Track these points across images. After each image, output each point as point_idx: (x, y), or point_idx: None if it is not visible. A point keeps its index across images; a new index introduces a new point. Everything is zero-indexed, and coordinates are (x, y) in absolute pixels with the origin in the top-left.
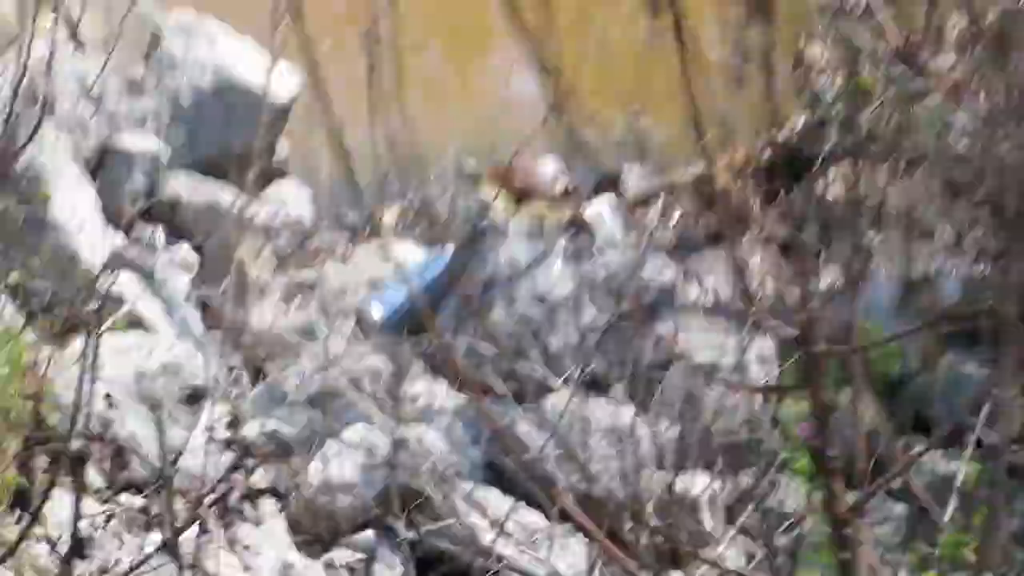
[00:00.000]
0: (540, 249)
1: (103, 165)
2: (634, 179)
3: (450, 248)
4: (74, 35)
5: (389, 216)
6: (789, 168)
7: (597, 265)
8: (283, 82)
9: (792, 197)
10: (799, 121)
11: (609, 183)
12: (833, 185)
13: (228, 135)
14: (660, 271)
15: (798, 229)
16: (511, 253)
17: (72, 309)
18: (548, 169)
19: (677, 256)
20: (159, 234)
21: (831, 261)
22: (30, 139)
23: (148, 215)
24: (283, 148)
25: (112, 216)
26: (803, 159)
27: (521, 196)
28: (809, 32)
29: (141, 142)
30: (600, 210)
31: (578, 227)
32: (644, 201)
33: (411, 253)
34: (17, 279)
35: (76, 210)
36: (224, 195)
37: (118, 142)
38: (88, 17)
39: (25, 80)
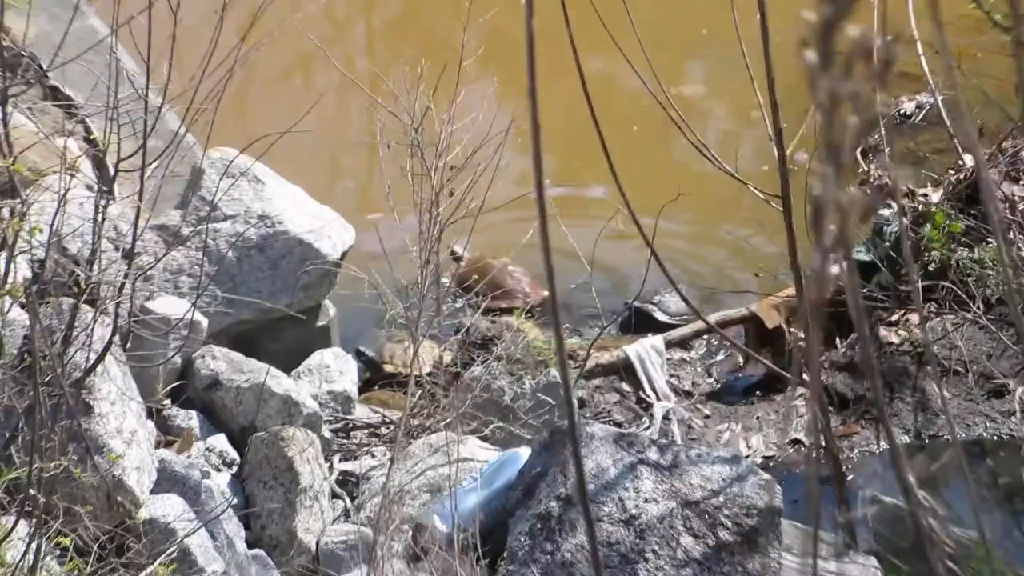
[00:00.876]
0: (627, 456)
1: (132, 333)
2: (670, 314)
3: (525, 451)
4: (101, 168)
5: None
6: (846, 307)
7: (689, 475)
8: (336, 235)
9: (851, 343)
10: (860, 253)
11: (643, 318)
12: (896, 330)
13: (273, 294)
14: (757, 488)
15: (854, 378)
16: (597, 460)
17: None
18: (522, 275)
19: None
20: (194, 423)
21: (893, 418)
22: (98, 360)
23: (181, 396)
24: (330, 309)
25: (144, 394)
26: (863, 298)
27: (492, 299)
28: (871, 146)
29: (176, 306)
30: (640, 353)
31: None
32: (683, 342)
33: (479, 452)
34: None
35: (123, 424)
36: (269, 375)
37: (151, 307)
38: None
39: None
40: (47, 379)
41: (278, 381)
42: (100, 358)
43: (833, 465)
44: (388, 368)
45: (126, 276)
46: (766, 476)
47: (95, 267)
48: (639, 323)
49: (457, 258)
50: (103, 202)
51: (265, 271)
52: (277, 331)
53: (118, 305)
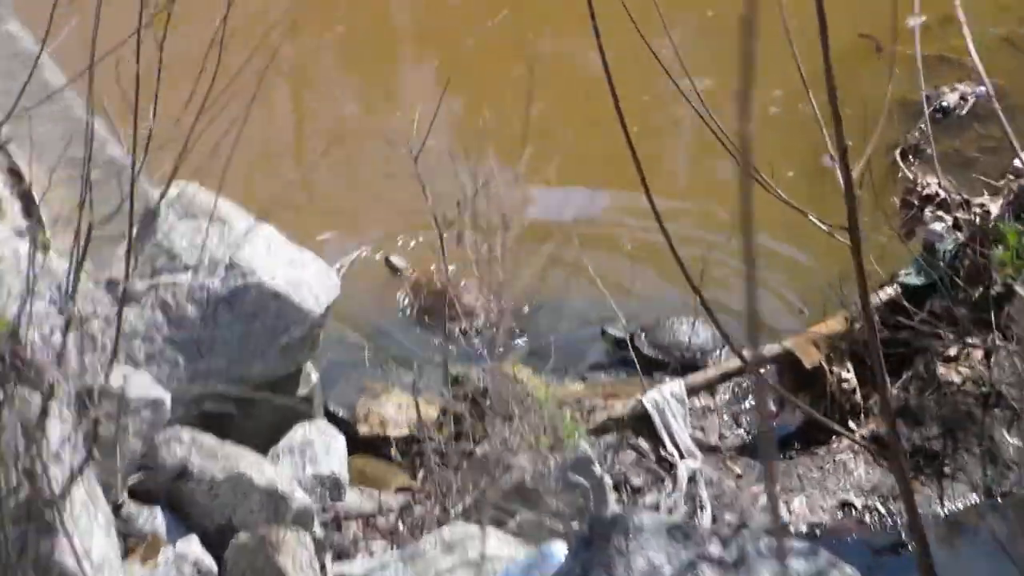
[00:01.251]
0: (683, 551)
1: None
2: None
3: (559, 547)
4: (29, 214)
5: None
6: (897, 343)
7: (760, 573)
8: (318, 286)
9: (904, 382)
10: (909, 275)
11: (659, 350)
12: (956, 367)
13: (245, 360)
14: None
15: (910, 425)
16: (648, 557)
17: None
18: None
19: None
20: (159, 522)
21: (958, 472)
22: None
23: (144, 490)
24: (311, 375)
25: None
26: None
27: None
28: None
29: (134, 381)
30: (658, 402)
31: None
32: (708, 386)
33: (501, 547)
34: None
35: (91, 543)
36: (248, 461)
37: (102, 385)
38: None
39: None
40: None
41: (260, 469)
42: (79, 471)
43: (919, 547)
44: (363, 430)
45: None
46: (849, 570)
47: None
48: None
49: (395, 269)
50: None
51: (235, 332)
52: (251, 404)
53: (89, 396)
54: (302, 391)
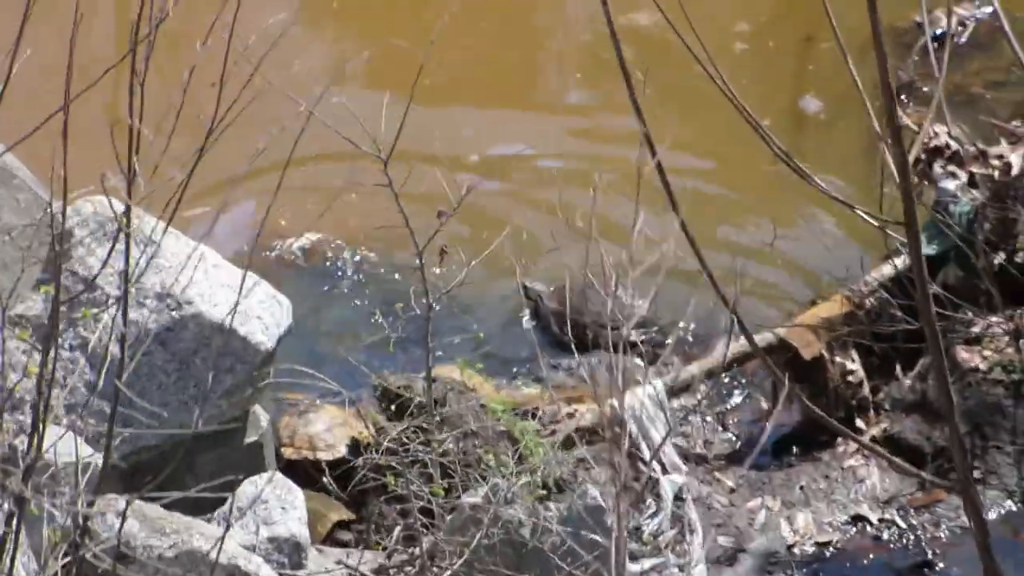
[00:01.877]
0: None
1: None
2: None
3: None
4: None
5: None
6: (909, 324)
7: None
8: (268, 314)
9: (921, 372)
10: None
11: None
12: (980, 350)
13: (183, 405)
14: None
15: (930, 423)
16: None
17: None
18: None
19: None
20: None
21: (988, 475)
22: None
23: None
24: (261, 418)
25: None
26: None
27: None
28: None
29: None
30: (634, 407)
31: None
32: (687, 386)
33: None
34: None
35: None
36: (202, 534)
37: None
38: None
39: None
40: None
41: (216, 543)
42: None
43: None
44: (288, 453)
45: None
46: None
47: None
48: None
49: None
50: None
51: (171, 374)
52: (191, 457)
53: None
54: (250, 438)
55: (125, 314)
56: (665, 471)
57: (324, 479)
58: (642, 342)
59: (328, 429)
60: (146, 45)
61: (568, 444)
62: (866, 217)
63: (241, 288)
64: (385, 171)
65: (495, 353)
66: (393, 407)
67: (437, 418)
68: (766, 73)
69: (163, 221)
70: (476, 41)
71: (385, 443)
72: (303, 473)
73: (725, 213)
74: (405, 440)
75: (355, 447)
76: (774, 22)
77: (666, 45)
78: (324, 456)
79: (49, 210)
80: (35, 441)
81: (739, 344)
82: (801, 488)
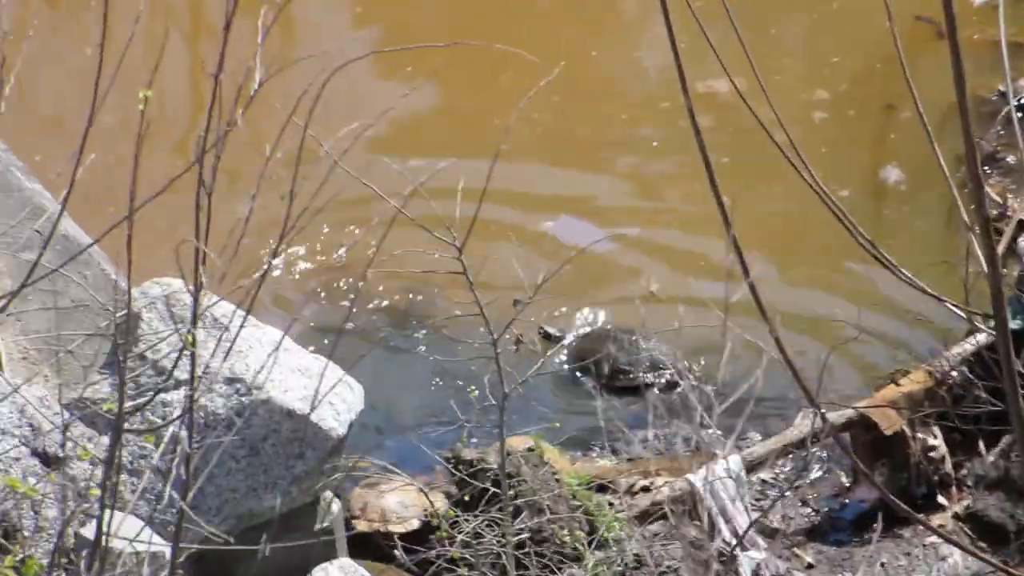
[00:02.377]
0: None
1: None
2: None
3: None
4: None
5: None
6: (992, 400)
7: None
8: (339, 399)
9: (1004, 448)
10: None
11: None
12: None
13: (253, 491)
14: None
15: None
16: None
17: None
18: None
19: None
20: None
21: None
22: None
23: None
24: (332, 504)
25: None
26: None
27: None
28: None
29: (127, 532)
30: (711, 483)
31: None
32: (762, 462)
33: None
34: None
35: None
36: None
37: (86, 534)
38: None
39: None
40: None
41: None
42: None
43: None
44: (360, 526)
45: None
46: None
47: None
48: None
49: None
50: None
51: (240, 459)
52: (260, 544)
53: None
54: (321, 524)
55: (191, 434)
56: (743, 546)
57: (397, 553)
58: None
59: (400, 502)
60: (213, 155)
61: (645, 518)
62: (953, 309)
63: (321, 382)
64: (459, 258)
65: (568, 423)
66: (466, 480)
67: (511, 505)
68: (846, 142)
69: (229, 301)
70: (552, 104)
71: (460, 537)
72: (375, 545)
73: (804, 284)
74: (479, 531)
75: (428, 520)
76: (854, 90)
77: (745, 113)
78: (396, 529)
79: (118, 290)
80: (101, 529)
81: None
82: (882, 565)
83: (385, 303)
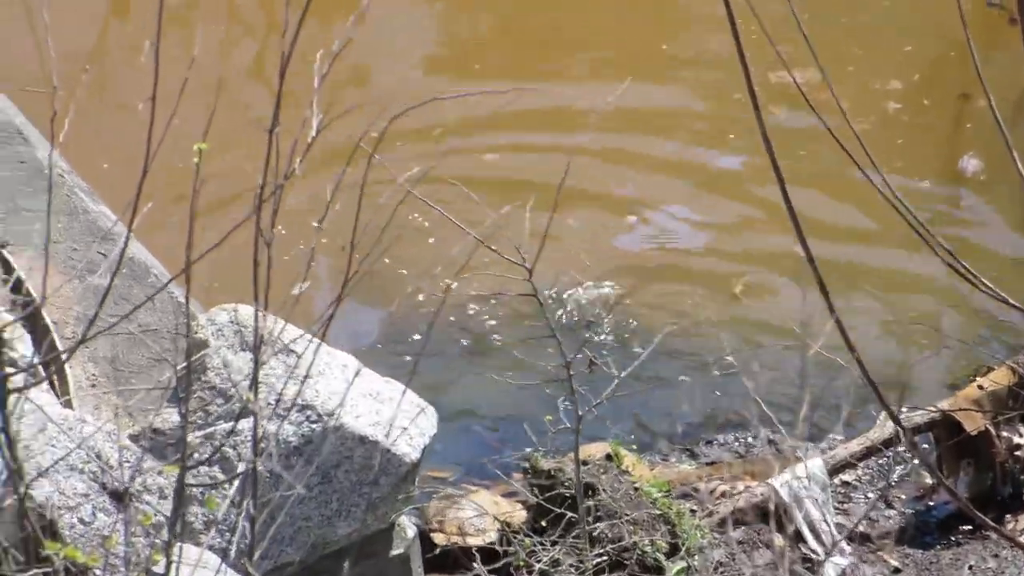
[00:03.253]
0: None
1: None
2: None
3: None
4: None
5: None
6: None
7: None
8: (412, 425)
9: None
10: None
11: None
12: None
13: (327, 519)
14: None
15: None
16: None
17: None
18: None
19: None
20: None
21: None
22: None
23: None
24: (407, 529)
25: None
26: None
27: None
28: None
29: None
30: (794, 488)
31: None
32: (845, 464)
33: None
34: None
35: None
36: None
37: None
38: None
39: None
40: None
41: None
42: None
43: None
44: (439, 539)
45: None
46: None
47: None
48: None
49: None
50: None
51: (313, 488)
52: (335, 572)
53: None
54: (396, 550)
55: (255, 493)
56: (828, 552)
57: (475, 566)
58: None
59: (478, 513)
60: (273, 200)
61: (726, 524)
62: None
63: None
64: (530, 280)
65: (647, 426)
66: (542, 489)
67: (590, 516)
68: (921, 132)
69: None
70: (622, 101)
71: (538, 566)
72: (453, 559)
73: (881, 283)
74: (557, 543)
75: (505, 532)
76: (927, 79)
77: (818, 104)
78: (474, 542)
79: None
80: (171, 561)
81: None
82: (970, 568)
83: (456, 323)
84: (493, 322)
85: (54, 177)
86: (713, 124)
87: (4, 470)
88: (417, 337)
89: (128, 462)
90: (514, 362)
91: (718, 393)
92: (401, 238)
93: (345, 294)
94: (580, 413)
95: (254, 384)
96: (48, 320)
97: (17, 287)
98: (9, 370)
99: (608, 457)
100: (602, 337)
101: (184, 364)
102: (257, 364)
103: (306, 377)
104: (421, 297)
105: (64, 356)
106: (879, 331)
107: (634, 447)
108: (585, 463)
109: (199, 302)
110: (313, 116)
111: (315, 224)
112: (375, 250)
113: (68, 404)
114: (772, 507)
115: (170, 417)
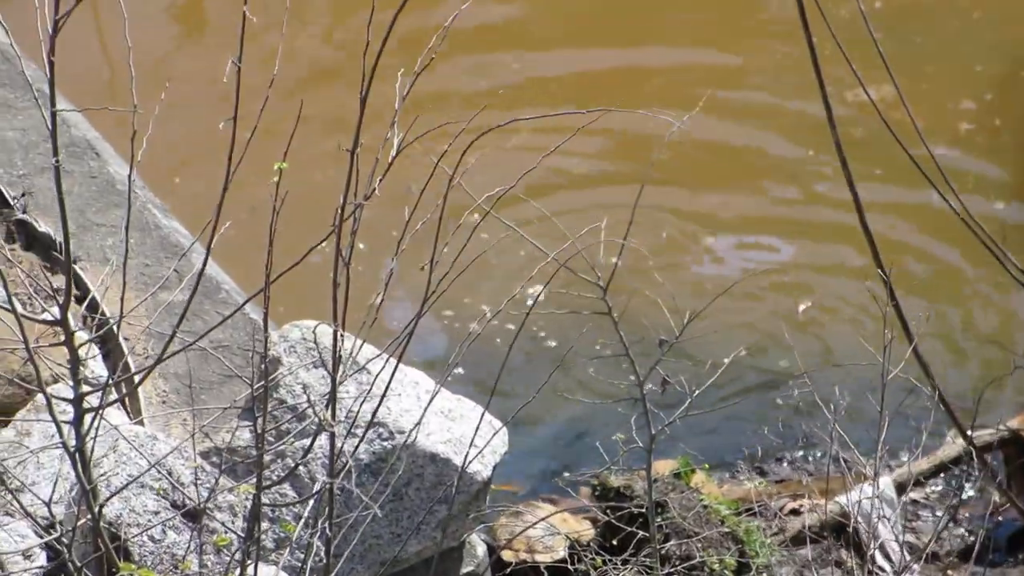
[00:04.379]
0: None
1: None
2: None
3: None
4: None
5: None
6: None
7: None
8: (483, 441)
9: None
10: None
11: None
12: None
13: (397, 537)
14: None
15: None
16: None
17: None
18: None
19: None
20: None
21: None
22: None
23: None
24: (477, 547)
25: None
26: None
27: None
28: None
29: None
30: (864, 507)
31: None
32: (913, 482)
33: None
34: None
35: None
36: None
37: None
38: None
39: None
40: None
41: None
42: None
43: None
44: (507, 556)
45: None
46: None
47: None
48: None
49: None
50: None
51: (384, 506)
52: None
53: None
54: (466, 568)
55: (331, 513)
56: (897, 571)
57: None
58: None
59: (546, 530)
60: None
61: (796, 541)
62: None
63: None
64: (604, 298)
65: (716, 443)
66: (612, 507)
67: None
68: (995, 153)
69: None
70: (697, 120)
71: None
72: None
73: (954, 302)
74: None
75: (575, 550)
76: (999, 99)
77: (894, 123)
78: (543, 559)
79: (258, 331)
80: None
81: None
82: None
83: (527, 340)
84: (564, 337)
85: (127, 195)
86: (790, 139)
87: (76, 488)
88: (486, 351)
89: (201, 480)
90: (585, 378)
91: (787, 410)
92: (482, 258)
93: (424, 311)
94: (653, 432)
95: (332, 404)
96: (121, 339)
97: (92, 304)
98: (85, 389)
99: (677, 475)
100: (674, 356)
101: (261, 384)
102: (335, 385)
103: (384, 397)
104: (487, 311)
105: (139, 377)
106: (951, 349)
107: (706, 465)
108: (654, 480)
109: (272, 319)
110: (394, 136)
111: (398, 244)
112: (453, 267)
113: (139, 420)
114: (841, 525)
115: (242, 434)
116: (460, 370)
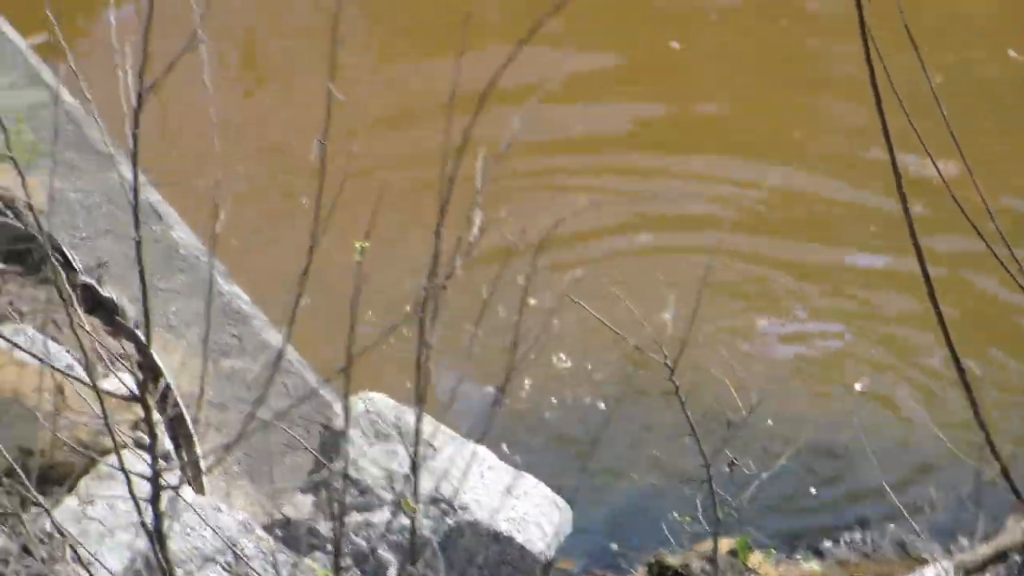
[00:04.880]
0: None
1: None
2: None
3: None
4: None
5: None
6: None
7: None
8: (547, 520)
9: None
10: None
11: None
12: None
13: None
14: None
15: None
16: None
17: None
18: None
19: None
20: None
21: None
22: None
23: None
24: None
25: None
26: None
27: None
28: None
29: None
30: None
31: None
32: (977, 567)
33: None
34: None
35: None
36: None
37: None
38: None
39: None
40: None
41: None
42: None
43: None
44: None
45: None
46: None
47: None
48: None
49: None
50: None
51: None
52: None
53: None
54: None
55: None
56: None
57: None
58: None
59: None
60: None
61: None
62: None
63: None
64: (672, 379)
65: (773, 522)
66: None
67: None
68: None
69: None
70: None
71: None
72: None
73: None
74: None
75: None
76: None
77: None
78: None
79: (320, 401)
80: None
81: None
82: None
83: (591, 416)
84: (630, 416)
85: (191, 260)
86: (851, 214)
87: (140, 559)
88: (546, 419)
89: (264, 553)
90: (648, 455)
91: (846, 489)
92: (559, 334)
93: (506, 395)
94: (720, 516)
95: (415, 489)
96: (188, 420)
97: (155, 371)
98: (162, 464)
99: (733, 552)
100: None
101: (330, 464)
102: (417, 470)
103: (463, 478)
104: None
105: (213, 459)
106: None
107: (771, 549)
108: (711, 559)
109: (335, 389)
110: (475, 216)
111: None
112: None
113: (200, 488)
114: None
115: (303, 506)
116: (527, 445)
